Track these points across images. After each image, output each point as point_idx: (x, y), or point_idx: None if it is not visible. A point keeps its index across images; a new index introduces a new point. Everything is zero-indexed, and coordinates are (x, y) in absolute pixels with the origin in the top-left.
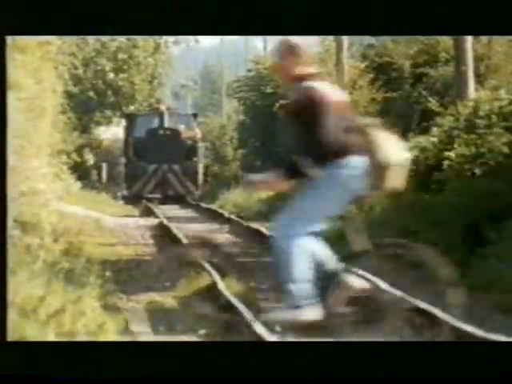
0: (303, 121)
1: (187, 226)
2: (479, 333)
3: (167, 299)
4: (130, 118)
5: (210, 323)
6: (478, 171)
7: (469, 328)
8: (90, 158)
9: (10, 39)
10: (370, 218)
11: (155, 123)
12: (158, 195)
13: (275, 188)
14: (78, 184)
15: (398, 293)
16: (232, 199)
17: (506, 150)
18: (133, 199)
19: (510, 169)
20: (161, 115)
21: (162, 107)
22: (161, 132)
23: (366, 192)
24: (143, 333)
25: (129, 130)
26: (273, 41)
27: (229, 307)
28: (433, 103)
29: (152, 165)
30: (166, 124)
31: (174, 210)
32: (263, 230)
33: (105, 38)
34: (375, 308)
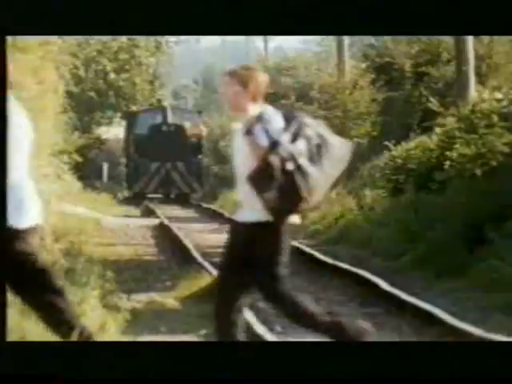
0: None
1: (188, 225)
2: (479, 333)
3: (168, 299)
4: (132, 115)
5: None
6: (478, 171)
7: (469, 328)
8: (90, 158)
9: (10, 39)
10: (371, 218)
11: (158, 120)
12: (160, 195)
13: None
14: (79, 184)
15: (399, 293)
16: (232, 199)
17: (506, 149)
18: (134, 199)
19: (510, 169)
20: (164, 111)
21: (165, 103)
22: (164, 128)
23: None
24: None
25: (130, 127)
26: (274, 41)
27: None
28: (434, 103)
29: (155, 162)
30: (170, 120)
31: (174, 210)
32: None
33: (106, 38)
34: None
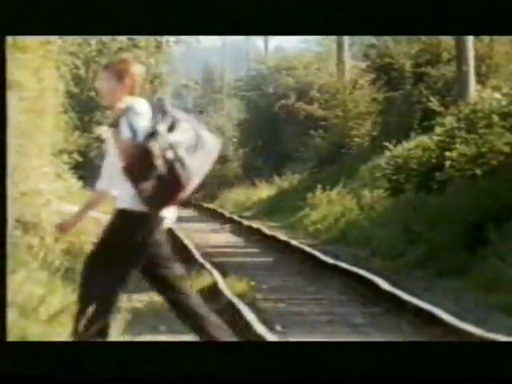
0: None
1: (188, 225)
2: (480, 333)
3: None
4: None
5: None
6: (478, 171)
7: (469, 328)
8: (91, 158)
9: (10, 39)
10: (371, 218)
11: None
12: None
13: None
14: (80, 183)
15: (399, 292)
16: (232, 198)
17: (506, 149)
18: None
19: (510, 169)
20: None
21: (166, 102)
22: None
23: None
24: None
25: None
26: (274, 40)
27: (229, 307)
28: (434, 103)
29: None
30: None
31: None
32: (264, 229)
33: (106, 38)
34: None
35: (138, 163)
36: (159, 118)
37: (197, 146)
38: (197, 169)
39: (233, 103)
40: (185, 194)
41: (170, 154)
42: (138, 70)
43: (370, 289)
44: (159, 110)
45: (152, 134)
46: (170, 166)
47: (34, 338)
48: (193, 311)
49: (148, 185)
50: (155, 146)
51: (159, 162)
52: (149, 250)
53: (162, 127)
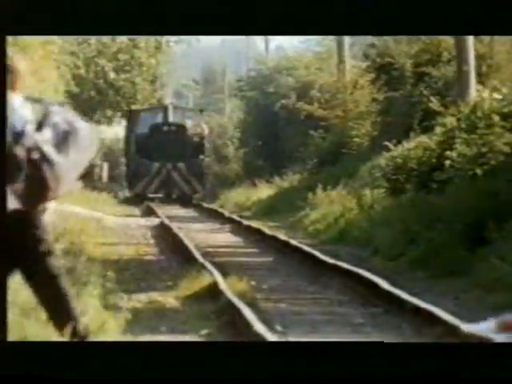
0: None
1: (188, 225)
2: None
3: (168, 299)
4: (133, 114)
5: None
6: (478, 171)
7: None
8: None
9: (10, 39)
10: (371, 218)
11: (159, 119)
12: (161, 195)
13: None
14: (79, 183)
15: (399, 292)
16: (233, 198)
17: (506, 149)
18: (135, 199)
19: (510, 169)
20: (165, 110)
21: (167, 101)
22: (165, 128)
23: None
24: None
25: (131, 126)
26: (274, 40)
27: (229, 307)
28: (434, 103)
29: (156, 163)
30: (171, 119)
31: (175, 210)
32: (264, 229)
33: (106, 39)
34: None
35: (8, 164)
36: (29, 115)
37: (69, 141)
38: (69, 165)
39: (233, 103)
40: (57, 192)
41: (35, 155)
42: (20, 65)
43: (369, 289)
44: (31, 104)
45: (18, 135)
46: (37, 166)
47: (33, 338)
48: (67, 308)
49: (18, 186)
50: (19, 148)
51: (24, 164)
52: (29, 245)
53: (29, 126)
